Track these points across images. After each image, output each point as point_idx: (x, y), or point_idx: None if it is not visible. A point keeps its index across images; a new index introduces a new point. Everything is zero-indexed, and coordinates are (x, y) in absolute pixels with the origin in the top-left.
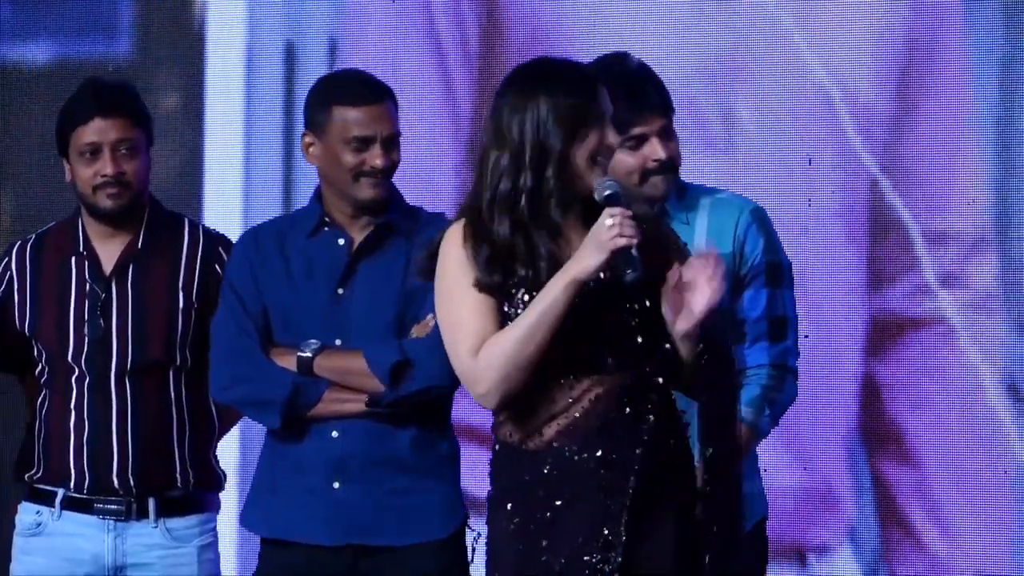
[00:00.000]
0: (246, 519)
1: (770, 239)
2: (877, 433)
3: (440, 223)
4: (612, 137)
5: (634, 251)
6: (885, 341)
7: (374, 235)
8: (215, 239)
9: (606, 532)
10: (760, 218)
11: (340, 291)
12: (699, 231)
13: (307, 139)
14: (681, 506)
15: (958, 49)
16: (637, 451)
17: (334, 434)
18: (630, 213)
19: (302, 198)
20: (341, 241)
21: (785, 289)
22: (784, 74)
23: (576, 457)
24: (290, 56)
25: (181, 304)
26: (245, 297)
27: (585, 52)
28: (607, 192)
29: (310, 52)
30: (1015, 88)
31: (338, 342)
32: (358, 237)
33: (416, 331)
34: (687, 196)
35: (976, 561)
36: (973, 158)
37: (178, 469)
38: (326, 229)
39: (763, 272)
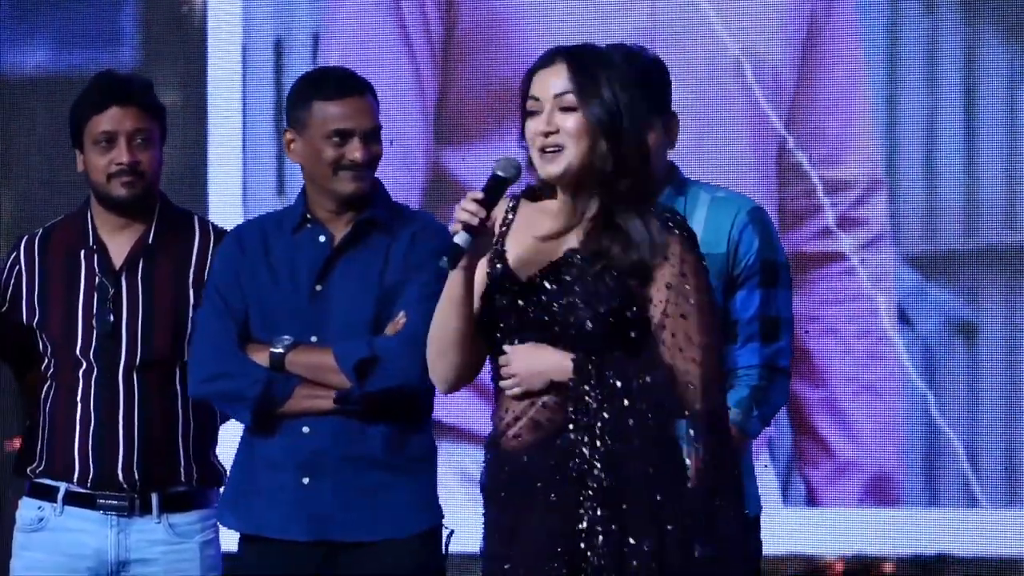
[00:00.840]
0: (221, 515)
1: (767, 239)
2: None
3: (423, 219)
4: (536, 124)
5: (458, 239)
6: (794, 277)
7: (354, 231)
8: (224, 235)
9: (560, 551)
10: (757, 218)
11: (318, 288)
12: (695, 231)
13: (288, 136)
14: (660, 505)
15: (850, 22)
16: (594, 460)
17: (305, 430)
18: (477, 196)
19: (294, 190)
20: (322, 238)
21: (781, 289)
22: (704, 52)
23: (532, 466)
24: (278, 51)
25: (191, 301)
26: (227, 295)
27: (531, 39)
28: (491, 175)
29: (296, 47)
30: (900, 55)
31: (314, 339)
32: (339, 234)
33: (390, 329)
34: (688, 194)
35: (875, 461)
36: (865, 117)
37: (182, 465)
38: (308, 226)
39: (758, 272)
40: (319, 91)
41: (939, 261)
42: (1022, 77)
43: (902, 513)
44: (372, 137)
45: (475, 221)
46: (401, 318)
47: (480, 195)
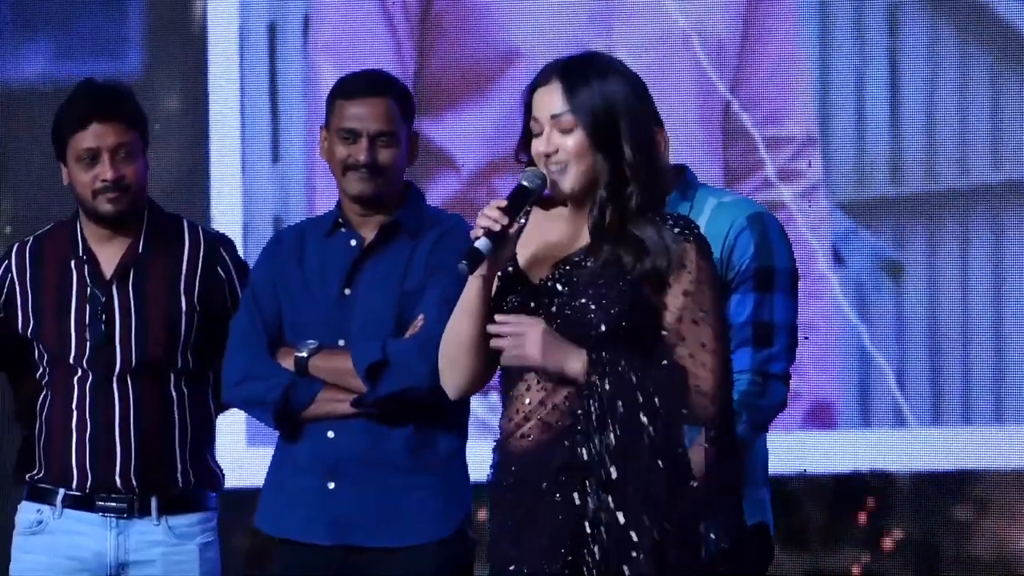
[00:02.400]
0: (258, 518)
1: (764, 244)
2: None
3: (451, 223)
4: (537, 144)
5: (479, 244)
6: None
7: (380, 235)
8: (215, 240)
9: (563, 552)
10: (757, 223)
11: (346, 291)
12: None
13: (322, 134)
14: (665, 503)
15: None
16: (603, 451)
17: (329, 434)
18: (501, 204)
19: (292, 184)
20: (353, 242)
21: (777, 294)
22: (656, 27)
23: (539, 465)
24: (272, 34)
25: (183, 308)
26: (261, 299)
27: (501, 14)
28: (516, 185)
29: (289, 29)
30: (831, 24)
31: (341, 342)
32: (368, 237)
33: (409, 331)
34: (694, 200)
35: (815, 389)
36: (801, 80)
37: (179, 469)
38: (342, 230)
39: (751, 277)
40: (341, 90)
41: (868, 207)
42: (941, 41)
43: (840, 434)
44: (383, 140)
45: (497, 227)
46: (420, 320)
47: (504, 203)
